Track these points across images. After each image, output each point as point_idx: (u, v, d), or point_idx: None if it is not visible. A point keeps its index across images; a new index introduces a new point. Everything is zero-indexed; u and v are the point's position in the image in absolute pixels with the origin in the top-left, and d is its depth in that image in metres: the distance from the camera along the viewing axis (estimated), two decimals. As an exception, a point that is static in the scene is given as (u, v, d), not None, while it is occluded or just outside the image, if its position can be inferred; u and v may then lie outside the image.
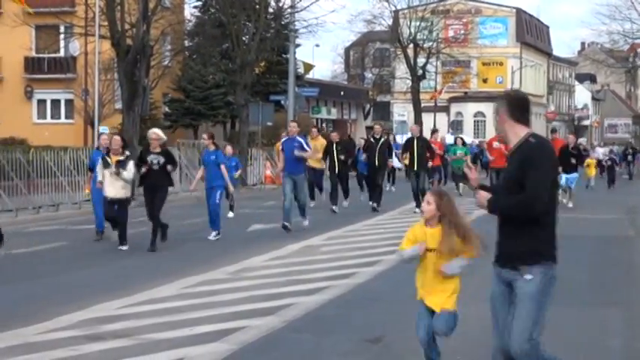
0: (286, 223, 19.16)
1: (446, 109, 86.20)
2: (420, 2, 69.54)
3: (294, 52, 45.91)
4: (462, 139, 36.48)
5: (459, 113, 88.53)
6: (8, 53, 49.24)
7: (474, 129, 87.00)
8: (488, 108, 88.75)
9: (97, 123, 31.79)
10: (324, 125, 75.54)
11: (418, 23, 67.45)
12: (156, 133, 17.02)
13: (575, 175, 26.98)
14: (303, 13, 48.28)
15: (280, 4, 47.67)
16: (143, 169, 16.40)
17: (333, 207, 24.35)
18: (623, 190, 38.22)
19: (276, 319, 10.04)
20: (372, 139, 25.37)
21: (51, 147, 27.83)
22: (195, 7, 55.45)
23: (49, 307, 10.53)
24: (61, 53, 49.92)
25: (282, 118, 45.33)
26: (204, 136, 19.47)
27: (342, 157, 25.39)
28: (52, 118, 51.29)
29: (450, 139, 54.15)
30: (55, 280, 12.90)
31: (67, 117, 50.85)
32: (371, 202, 24.81)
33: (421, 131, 29.41)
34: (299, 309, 10.63)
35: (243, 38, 41.31)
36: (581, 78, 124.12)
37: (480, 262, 15.51)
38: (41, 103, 51.91)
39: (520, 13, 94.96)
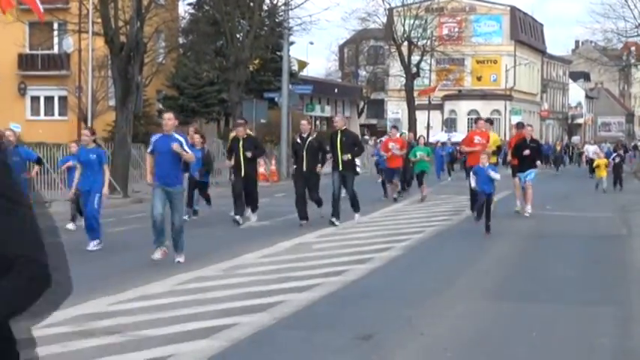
0: (156, 254, 14.62)
1: (440, 107, 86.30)
2: (415, 0, 69.65)
3: (288, 50, 45.92)
4: (423, 137, 33.03)
5: (452, 111, 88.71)
6: (2, 50, 49.15)
7: (468, 127, 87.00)
8: (482, 106, 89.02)
9: (90, 120, 31.74)
10: (317, 123, 75.62)
11: (412, 21, 67.59)
12: None
13: (532, 171, 23.20)
14: (297, 10, 48.37)
15: (274, 2, 47.68)
16: None
17: (236, 217, 20.25)
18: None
19: (268, 315, 10.05)
20: (298, 140, 20.74)
21: (44, 144, 27.80)
22: (189, 4, 55.55)
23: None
24: (55, 50, 49.92)
25: (276, 116, 45.38)
26: (86, 132, 17.09)
27: (249, 154, 20.27)
28: (45, 114, 51.25)
29: (443, 137, 53.65)
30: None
31: (60, 114, 50.82)
32: (300, 221, 20.12)
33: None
34: (290, 306, 10.64)
35: (238, 36, 41.37)
36: (575, 76, 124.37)
37: (471, 259, 15.54)
38: (35, 99, 51.87)
39: (514, 11, 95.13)
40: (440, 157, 45.63)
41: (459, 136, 68.42)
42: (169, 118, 14.99)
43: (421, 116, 68.91)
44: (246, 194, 20.60)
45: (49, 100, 51.88)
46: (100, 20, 31.43)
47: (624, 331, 9.83)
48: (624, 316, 10.61)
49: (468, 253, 15.99)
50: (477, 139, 23.11)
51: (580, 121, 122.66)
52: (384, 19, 69.41)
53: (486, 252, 16.32)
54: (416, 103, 67.11)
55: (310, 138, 20.28)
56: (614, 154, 39.72)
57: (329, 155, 20.85)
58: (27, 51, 50.62)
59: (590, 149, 50.43)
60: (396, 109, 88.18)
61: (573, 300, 11.59)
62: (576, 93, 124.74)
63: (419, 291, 11.99)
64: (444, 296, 11.62)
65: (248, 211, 20.97)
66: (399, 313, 10.41)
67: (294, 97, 46.91)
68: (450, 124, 77.17)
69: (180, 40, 51.72)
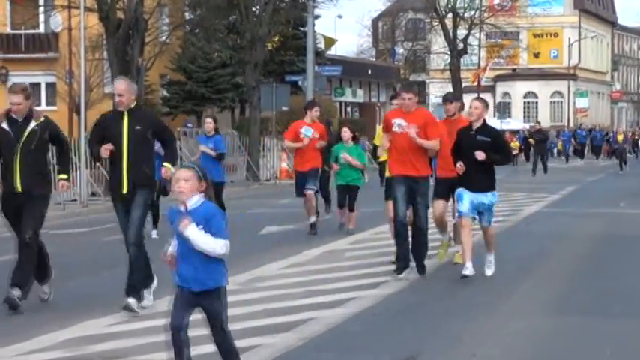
0: None
1: (491, 89, 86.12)
2: (460, -36, 69.46)
3: (313, 25, 45.97)
4: (350, 129, 19.83)
5: (506, 94, 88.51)
6: (-20, 30, 49.57)
7: (524, 112, 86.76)
8: (540, 87, 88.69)
9: (83, 110, 31.82)
10: (348, 109, 75.62)
11: (458, -11, 67.38)
12: None
13: (489, 196, 13.81)
14: (323, -22, 48.33)
15: (296, -31, 47.72)
16: None
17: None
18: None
19: (294, 335, 10.09)
20: (4, 126, 11.91)
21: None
22: (196, -27, 55.64)
23: (29, 325, 10.60)
24: (41, 29, 50.18)
25: (299, 102, 45.42)
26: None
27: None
28: (31, 104, 51.55)
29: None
30: (35, 294, 12.95)
31: (48, 103, 51.06)
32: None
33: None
34: (320, 324, 10.67)
35: (254, 9, 41.39)
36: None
37: (529, 267, 15.46)
38: (18, 87, 52.14)
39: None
40: None
41: (513, 123, 67.98)
42: None
43: (469, 100, 68.75)
44: None
45: (34, 87, 52.04)
46: (93, -6, 31.60)
47: None
48: None
49: (526, 259, 15.95)
50: (396, 123, 13.85)
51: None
52: (425, -12, 69.31)
53: (547, 258, 16.28)
54: (463, 85, 66.95)
55: (33, 125, 11.95)
56: None
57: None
58: (8, 30, 50.94)
59: None
60: (439, 93, 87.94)
61: (649, 313, 11.57)
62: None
63: (468, 305, 11.99)
64: (498, 311, 11.62)
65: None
66: (446, 330, 10.41)
67: (321, 80, 47.00)
68: (503, 109, 76.81)
69: (187, 16, 51.80)
